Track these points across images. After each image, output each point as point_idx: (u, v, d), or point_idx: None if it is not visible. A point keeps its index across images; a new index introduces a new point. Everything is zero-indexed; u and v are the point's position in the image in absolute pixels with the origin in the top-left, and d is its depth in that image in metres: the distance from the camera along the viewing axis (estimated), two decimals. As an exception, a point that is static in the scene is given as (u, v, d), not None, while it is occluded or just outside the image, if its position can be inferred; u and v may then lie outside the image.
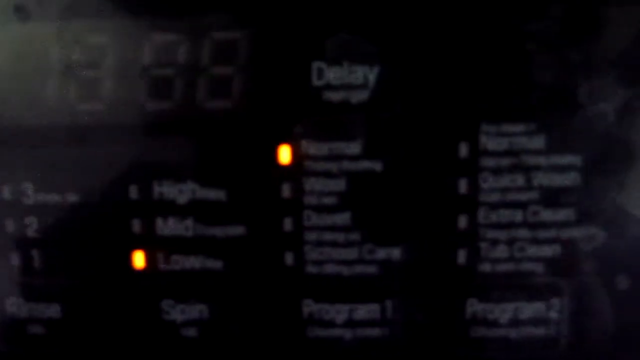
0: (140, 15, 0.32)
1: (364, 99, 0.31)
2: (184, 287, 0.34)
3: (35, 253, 0.34)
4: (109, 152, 0.33)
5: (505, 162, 0.31)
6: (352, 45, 0.31)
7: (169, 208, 0.33)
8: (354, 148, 0.32)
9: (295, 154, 0.32)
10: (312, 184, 0.32)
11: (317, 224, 0.32)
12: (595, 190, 0.31)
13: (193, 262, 0.33)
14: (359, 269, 0.33)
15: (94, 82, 0.33)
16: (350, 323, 0.33)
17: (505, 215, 0.32)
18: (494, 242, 0.32)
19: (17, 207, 0.34)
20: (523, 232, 0.32)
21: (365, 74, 0.31)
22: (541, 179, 0.31)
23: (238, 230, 0.33)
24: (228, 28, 0.32)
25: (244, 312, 0.34)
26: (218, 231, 0.33)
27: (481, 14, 0.31)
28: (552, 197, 0.31)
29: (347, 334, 0.33)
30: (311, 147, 0.32)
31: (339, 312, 0.33)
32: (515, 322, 0.33)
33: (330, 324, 0.33)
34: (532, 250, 0.32)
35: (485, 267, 0.32)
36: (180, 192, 0.33)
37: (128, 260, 0.34)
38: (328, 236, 0.32)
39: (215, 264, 0.33)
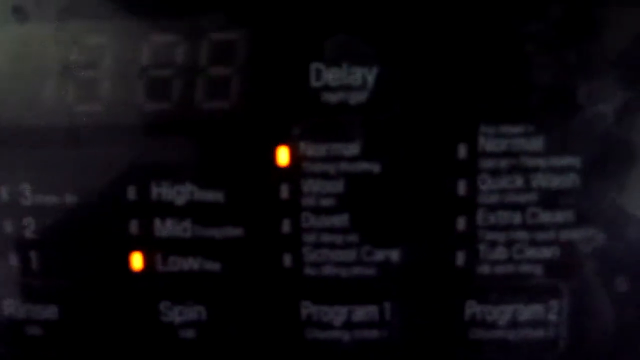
0: (138, 16, 0.32)
1: (362, 100, 0.31)
2: (182, 288, 0.33)
3: (32, 254, 0.34)
4: (107, 153, 0.33)
5: (504, 163, 0.31)
6: (351, 46, 0.31)
7: (167, 209, 0.33)
8: (352, 149, 0.32)
9: (294, 155, 0.32)
10: (310, 185, 0.32)
11: (315, 225, 0.32)
12: (594, 192, 0.31)
13: (191, 263, 0.33)
14: (357, 270, 0.32)
15: (92, 83, 0.33)
16: (349, 325, 0.33)
17: (504, 217, 0.32)
18: (493, 244, 0.32)
19: (14, 208, 0.33)
20: (522, 234, 0.32)
21: (363, 75, 0.31)
22: (540, 181, 0.31)
23: (236, 231, 0.33)
24: (226, 29, 0.32)
25: (242, 314, 0.34)
26: (216, 233, 0.33)
27: (480, 15, 0.31)
28: (550, 199, 0.31)
29: (346, 335, 0.33)
30: (309, 149, 0.32)
31: (337, 314, 0.33)
32: (514, 324, 0.32)
33: (329, 325, 0.33)
34: (531, 252, 0.32)
35: (484, 269, 0.32)
36: (178, 193, 0.33)
37: (126, 261, 0.33)
38: (326, 238, 0.32)
39: (213, 266, 0.33)
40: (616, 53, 0.31)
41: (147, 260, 0.33)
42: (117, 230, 0.33)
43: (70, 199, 0.33)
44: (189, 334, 0.34)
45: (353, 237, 0.32)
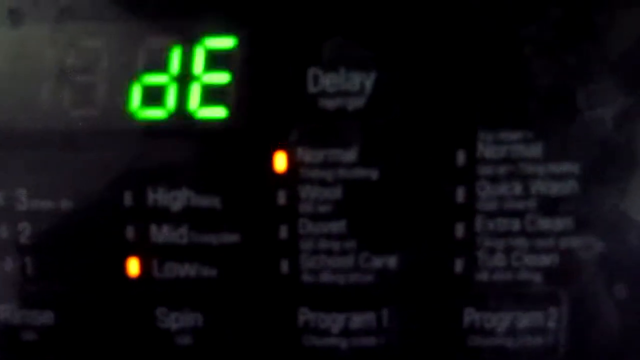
0: (135, 20, 0.32)
1: (360, 106, 0.31)
2: (179, 294, 0.33)
3: (28, 259, 0.34)
4: (103, 159, 0.33)
5: (503, 170, 0.31)
6: (348, 51, 0.31)
7: (164, 215, 0.33)
8: (350, 155, 0.31)
9: (291, 161, 0.32)
10: (307, 191, 0.32)
11: (313, 232, 0.32)
12: (593, 199, 0.31)
13: (187, 269, 0.33)
14: (355, 277, 0.32)
15: (88, 87, 0.33)
16: (346, 332, 0.33)
17: (502, 223, 0.31)
18: (492, 251, 0.32)
19: (10, 213, 0.33)
20: (521, 241, 0.31)
21: (361, 81, 0.31)
22: (539, 187, 0.31)
23: (233, 238, 0.32)
24: (222, 34, 0.32)
25: (239, 321, 0.33)
26: (213, 239, 0.33)
27: (478, 20, 0.31)
28: (550, 206, 0.31)
29: (343, 343, 0.33)
30: (307, 155, 0.32)
31: (334, 321, 0.33)
32: (512, 332, 0.32)
33: (326, 332, 0.33)
34: (530, 259, 0.32)
35: (483, 276, 0.32)
36: (175, 199, 0.33)
37: (122, 267, 0.33)
38: (324, 244, 0.32)
39: (210, 272, 0.33)
40: (615, 58, 0.31)
41: (144, 266, 0.33)
42: (113, 235, 0.33)
43: (66, 204, 0.33)
44: (186, 340, 0.34)
45: (351, 244, 0.32)
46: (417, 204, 0.32)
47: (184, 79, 0.32)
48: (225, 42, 0.32)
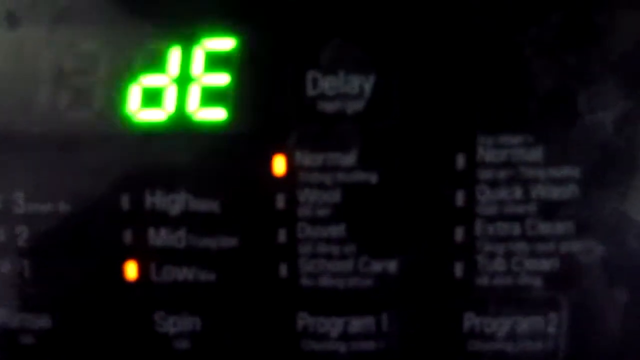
0: (133, 21, 0.32)
1: (359, 109, 0.31)
2: (177, 298, 0.33)
3: (25, 263, 0.34)
4: (101, 161, 0.32)
5: (503, 174, 0.31)
6: (348, 54, 0.31)
7: (161, 219, 0.33)
8: (349, 159, 0.31)
9: (290, 164, 0.32)
10: (306, 195, 0.32)
11: (312, 235, 0.32)
12: (594, 203, 0.31)
13: (186, 273, 0.33)
14: (355, 281, 0.32)
15: (85, 89, 0.32)
16: (346, 336, 0.33)
17: (502, 228, 0.31)
18: (492, 255, 0.31)
19: (7, 216, 0.33)
20: (521, 245, 0.31)
21: (361, 84, 0.31)
22: (539, 191, 0.31)
23: (231, 241, 0.32)
24: (221, 36, 0.32)
25: (238, 325, 0.33)
26: (211, 242, 0.32)
27: (478, 23, 0.31)
28: (550, 210, 0.31)
29: (342, 347, 0.33)
30: (306, 158, 0.32)
31: (333, 325, 0.33)
32: (512, 336, 0.32)
33: (325, 337, 0.33)
34: (530, 264, 0.31)
35: (483, 281, 0.32)
36: (173, 202, 0.32)
37: (120, 271, 0.33)
38: (323, 248, 0.32)
39: (208, 276, 0.33)
40: (616, 61, 0.30)
41: (142, 270, 0.33)
42: (111, 239, 0.33)
43: (63, 207, 0.33)
44: (184, 344, 0.34)
45: (350, 248, 0.32)
46: (417, 208, 0.31)
47: (183, 80, 0.32)
48: (224, 44, 0.32)
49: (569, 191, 0.31)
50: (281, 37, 0.31)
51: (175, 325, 0.33)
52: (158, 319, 0.33)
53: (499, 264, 0.31)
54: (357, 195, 0.32)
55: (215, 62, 0.32)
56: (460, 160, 0.31)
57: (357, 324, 0.33)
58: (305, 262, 0.32)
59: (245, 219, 0.32)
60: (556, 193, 0.31)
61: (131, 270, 0.33)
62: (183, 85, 0.32)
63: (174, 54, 0.32)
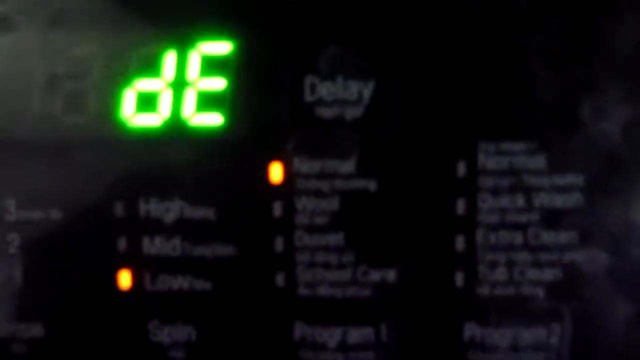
0: (127, 25, 0.32)
1: (358, 115, 0.31)
2: (171, 308, 0.33)
3: (17, 271, 0.33)
4: (95, 168, 0.32)
5: (505, 181, 0.31)
6: (347, 59, 0.31)
7: (156, 226, 0.32)
8: (348, 166, 0.31)
9: (287, 172, 0.31)
10: (304, 203, 0.31)
11: (309, 244, 0.32)
12: (598, 211, 0.30)
13: (181, 282, 0.33)
14: (353, 291, 0.32)
15: (79, 94, 0.32)
16: (344, 346, 0.32)
17: (504, 237, 0.31)
18: (493, 265, 0.31)
19: (-2, 223, 0.33)
20: (523, 255, 0.31)
21: (359, 90, 0.31)
22: (542, 200, 0.31)
23: (227, 250, 0.32)
24: (217, 40, 0.32)
25: (233, 335, 0.33)
26: (206, 251, 0.32)
27: (480, 28, 0.30)
28: (553, 219, 0.31)
29: (340, 357, 0.32)
30: (303, 165, 0.31)
31: (331, 335, 0.32)
32: (514, 348, 0.32)
33: (323, 347, 0.32)
34: (533, 274, 0.31)
35: (484, 291, 0.31)
36: (168, 210, 0.32)
37: (113, 279, 0.33)
38: (320, 257, 0.32)
39: (204, 285, 0.32)
40: (621, 67, 0.30)
41: (136, 279, 0.33)
42: (104, 247, 0.33)
43: (56, 214, 0.33)
44: (179, 354, 0.33)
45: (348, 257, 0.32)
46: (417, 216, 0.31)
47: (179, 85, 0.32)
48: (221, 48, 0.32)
49: (572, 199, 0.30)
50: (279, 41, 0.31)
51: (170, 335, 0.33)
52: (152, 329, 0.33)
53: (500, 274, 0.31)
54: (356, 203, 0.31)
55: (211, 66, 0.32)
56: (461, 168, 0.31)
57: (356, 334, 0.32)
58: (303, 271, 0.32)
59: (241, 227, 0.32)
60: (559, 201, 0.30)
61: (125, 279, 0.33)
62: (178, 90, 0.32)
63: (170, 58, 0.32)
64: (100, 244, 0.33)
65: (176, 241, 0.32)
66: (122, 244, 0.32)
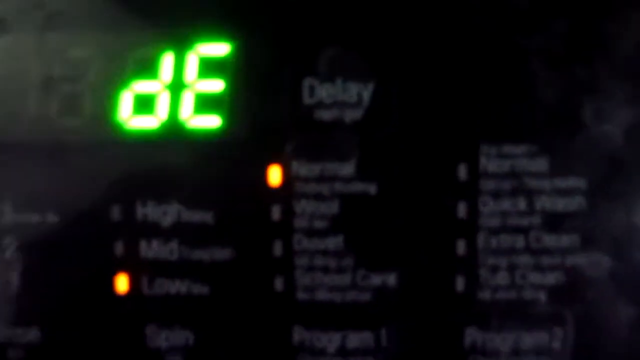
0: (124, 28, 0.32)
1: (357, 117, 0.31)
2: (169, 312, 0.33)
3: (13, 275, 0.33)
4: (91, 171, 0.32)
5: (507, 185, 0.30)
6: (346, 61, 0.31)
7: (153, 230, 0.32)
8: (347, 169, 0.31)
9: (286, 175, 0.31)
10: (303, 206, 0.31)
11: (308, 248, 0.31)
12: (601, 215, 0.30)
13: (178, 286, 0.32)
14: (352, 295, 0.32)
15: (75, 96, 0.32)
16: (343, 351, 0.32)
17: (506, 240, 0.31)
18: (494, 269, 0.31)
19: (-5, 227, 0.33)
20: (525, 259, 0.31)
21: (359, 92, 0.31)
22: (544, 203, 0.30)
23: (225, 254, 0.32)
24: (216, 41, 0.31)
25: (232, 340, 0.33)
26: (204, 255, 0.32)
27: (481, 29, 0.30)
28: (555, 222, 0.30)
29: (339, 363, 0.32)
30: (302, 168, 0.31)
31: (330, 340, 0.32)
32: (516, 352, 0.31)
33: (322, 352, 0.32)
34: (534, 278, 0.31)
35: (485, 295, 0.31)
36: (165, 213, 0.32)
37: (110, 284, 0.33)
38: (320, 261, 0.31)
39: (202, 289, 0.32)
40: (623, 69, 0.30)
41: (133, 283, 0.33)
42: (101, 251, 0.32)
43: (52, 218, 0.33)
44: (176, 359, 0.33)
45: (348, 261, 0.31)
46: (417, 220, 0.31)
47: (176, 86, 0.32)
48: (219, 49, 0.32)
49: (575, 202, 0.30)
50: (278, 42, 0.31)
51: (167, 339, 0.33)
52: (150, 333, 0.33)
53: (502, 278, 0.31)
54: (356, 206, 0.31)
55: (209, 68, 0.32)
56: (462, 171, 0.30)
57: (355, 339, 0.32)
58: (302, 275, 0.32)
59: (239, 231, 0.32)
60: (561, 204, 0.30)
61: (122, 283, 0.33)
62: (176, 92, 0.32)
63: (167, 60, 0.32)
64: (97, 248, 0.32)
65: (174, 245, 0.32)
66: (119, 247, 0.32)
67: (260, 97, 0.31)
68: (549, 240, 0.30)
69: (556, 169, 0.30)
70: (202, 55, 0.32)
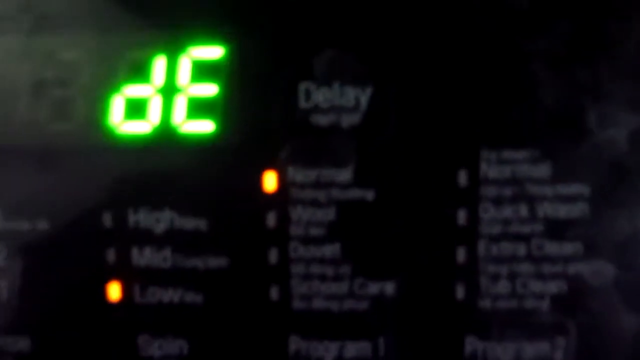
0: (115, 30, 0.32)
1: (355, 122, 0.30)
2: (162, 321, 0.32)
3: (3, 283, 0.33)
4: (82, 177, 0.32)
5: (508, 191, 0.30)
6: (343, 64, 0.30)
7: (146, 237, 0.32)
8: (344, 175, 0.31)
9: (281, 181, 0.31)
10: (299, 213, 0.31)
11: (305, 256, 0.31)
12: (604, 222, 0.30)
13: (171, 294, 0.32)
14: (350, 304, 0.31)
15: (66, 101, 0.32)
16: (340, 361, 0.32)
17: (507, 248, 0.30)
18: (495, 277, 0.30)
19: (-16, 234, 0.33)
20: (526, 267, 0.30)
21: (356, 96, 0.30)
22: (546, 210, 0.30)
23: (220, 261, 0.31)
24: (209, 44, 0.31)
25: (226, 349, 0.32)
26: (198, 262, 0.32)
27: (482, 31, 0.30)
28: (557, 230, 0.30)
29: (337, 372, 0.32)
30: (298, 174, 0.31)
31: (327, 350, 0.32)
32: (517, 362, 0.31)
33: (319, 362, 0.32)
34: (536, 286, 0.30)
35: (486, 303, 0.31)
36: (158, 220, 0.32)
37: (102, 292, 0.32)
38: (316, 269, 0.31)
39: (195, 298, 0.32)
40: (628, 73, 0.29)
41: (125, 291, 0.32)
42: (92, 258, 0.32)
43: (43, 225, 0.32)
44: (170, 369, 0.33)
45: (345, 269, 0.31)
46: (416, 227, 0.31)
47: (169, 90, 0.32)
48: (212, 52, 0.31)
49: (577, 209, 0.30)
50: (273, 45, 0.31)
51: (160, 348, 0.32)
52: (142, 343, 0.33)
53: (502, 286, 0.30)
54: (353, 213, 0.31)
55: (202, 71, 0.31)
56: (463, 177, 0.30)
57: (353, 348, 0.32)
58: (298, 284, 0.31)
59: (234, 238, 0.31)
60: (564, 211, 0.30)
61: (114, 291, 0.32)
62: (168, 96, 0.32)
63: (159, 63, 0.32)
64: (89, 255, 0.32)
65: (167, 252, 0.32)
66: (111, 255, 0.32)
67: (255, 101, 0.31)
68: (551, 247, 0.30)
69: (558, 175, 0.30)
70: (195, 58, 0.31)
